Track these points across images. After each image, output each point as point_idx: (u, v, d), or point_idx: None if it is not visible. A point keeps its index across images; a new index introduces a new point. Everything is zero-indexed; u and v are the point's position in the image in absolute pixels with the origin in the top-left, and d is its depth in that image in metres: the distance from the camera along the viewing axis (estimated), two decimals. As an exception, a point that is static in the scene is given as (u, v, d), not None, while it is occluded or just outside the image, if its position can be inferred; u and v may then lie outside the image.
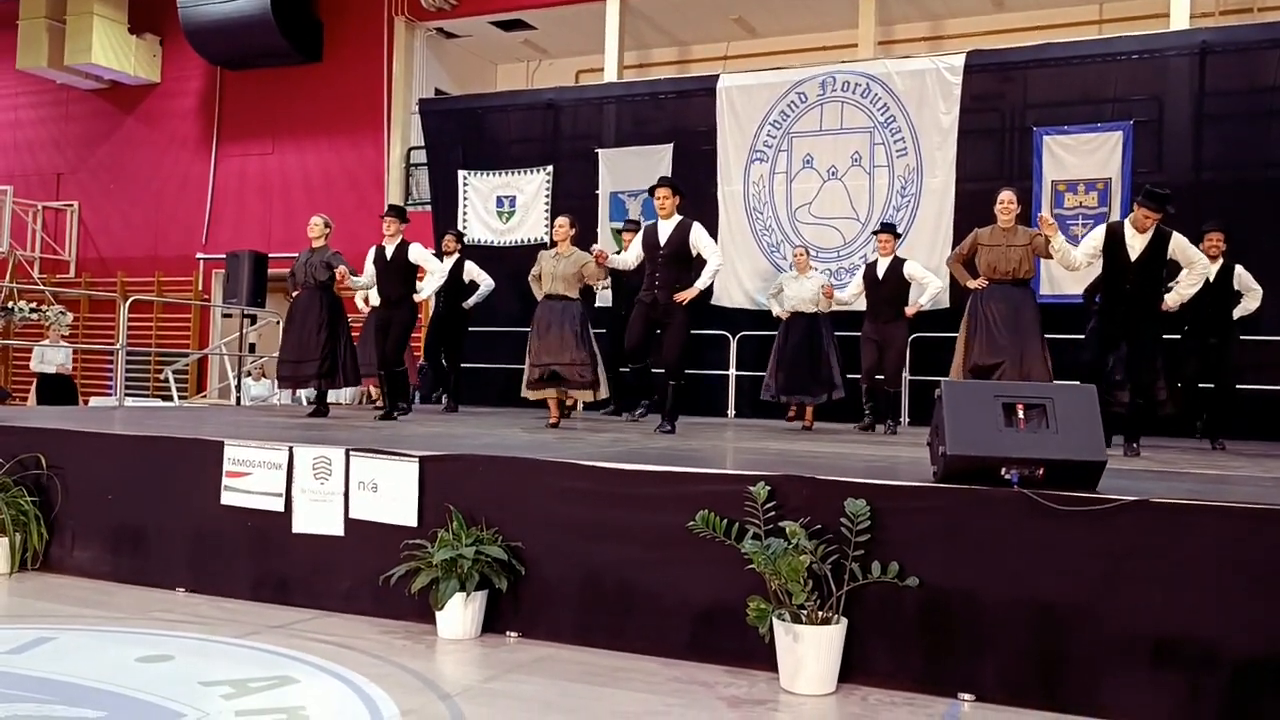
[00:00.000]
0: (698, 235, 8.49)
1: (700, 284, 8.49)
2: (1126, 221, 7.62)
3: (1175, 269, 7.69)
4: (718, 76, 13.60)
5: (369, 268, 9.77)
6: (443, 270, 9.79)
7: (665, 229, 8.56)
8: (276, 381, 10.24)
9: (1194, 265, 7.61)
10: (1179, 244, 7.52)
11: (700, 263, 8.53)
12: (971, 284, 8.59)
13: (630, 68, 17.03)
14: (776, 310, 10.64)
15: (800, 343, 10.25)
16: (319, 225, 9.95)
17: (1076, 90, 11.81)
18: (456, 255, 11.65)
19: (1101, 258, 7.69)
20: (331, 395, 10.65)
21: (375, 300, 10.23)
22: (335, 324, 9.74)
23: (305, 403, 11.83)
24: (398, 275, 9.68)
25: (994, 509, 4.37)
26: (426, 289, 9.76)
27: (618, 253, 9.15)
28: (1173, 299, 7.69)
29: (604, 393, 9.27)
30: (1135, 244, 7.49)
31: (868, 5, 15.22)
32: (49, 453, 6.69)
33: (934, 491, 4.55)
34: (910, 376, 11.53)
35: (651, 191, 8.70)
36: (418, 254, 9.67)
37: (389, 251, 9.67)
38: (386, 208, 9.98)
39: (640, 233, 9.00)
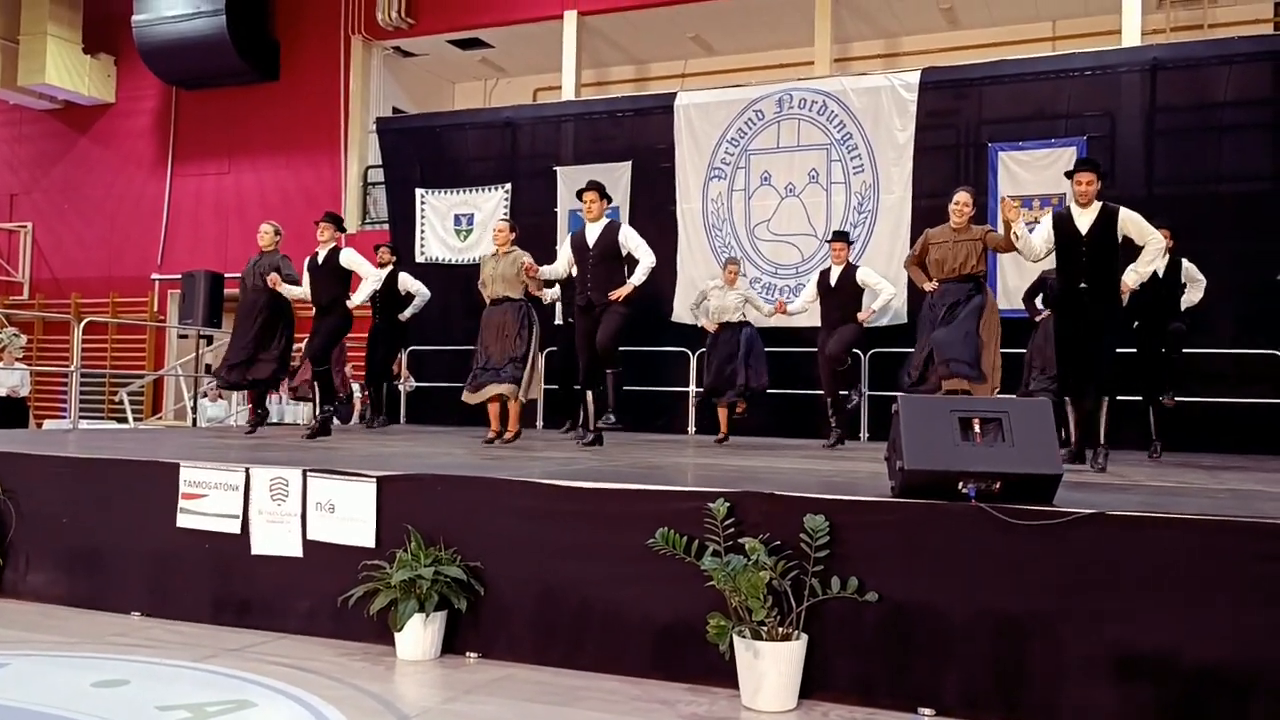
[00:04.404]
0: (627, 234, 8.60)
1: (634, 281, 8.53)
2: (1070, 204, 7.49)
3: (1131, 254, 7.53)
4: (675, 94, 13.65)
5: (305, 276, 9.75)
6: (378, 275, 9.75)
7: (593, 231, 8.63)
8: (218, 382, 10.17)
9: (1149, 240, 7.35)
10: (1129, 217, 7.31)
11: (633, 263, 8.59)
12: (927, 286, 8.61)
13: (588, 86, 17.08)
14: (703, 322, 10.79)
15: (725, 349, 10.48)
16: (269, 233, 9.96)
17: (1031, 106, 11.95)
18: (390, 267, 11.66)
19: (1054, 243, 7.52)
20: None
21: None
22: (285, 325, 9.76)
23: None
24: (327, 280, 9.60)
25: (952, 523, 4.40)
26: (361, 293, 9.66)
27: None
28: (1131, 278, 7.32)
29: (535, 393, 9.28)
30: (1083, 220, 7.33)
31: (824, 23, 15.32)
32: (2, 476, 6.61)
33: (892, 506, 4.56)
34: (869, 392, 11.58)
35: (579, 195, 8.74)
36: (349, 258, 9.60)
37: (320, 256, 9.65)
38: (323, 215, 9.90)
39: (568, 240, 9.01)
